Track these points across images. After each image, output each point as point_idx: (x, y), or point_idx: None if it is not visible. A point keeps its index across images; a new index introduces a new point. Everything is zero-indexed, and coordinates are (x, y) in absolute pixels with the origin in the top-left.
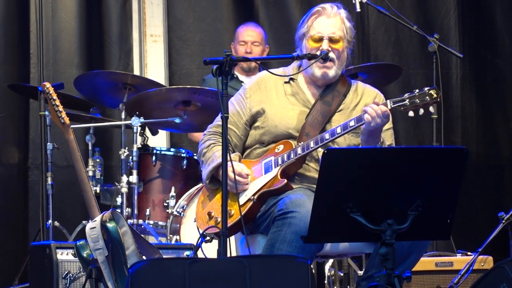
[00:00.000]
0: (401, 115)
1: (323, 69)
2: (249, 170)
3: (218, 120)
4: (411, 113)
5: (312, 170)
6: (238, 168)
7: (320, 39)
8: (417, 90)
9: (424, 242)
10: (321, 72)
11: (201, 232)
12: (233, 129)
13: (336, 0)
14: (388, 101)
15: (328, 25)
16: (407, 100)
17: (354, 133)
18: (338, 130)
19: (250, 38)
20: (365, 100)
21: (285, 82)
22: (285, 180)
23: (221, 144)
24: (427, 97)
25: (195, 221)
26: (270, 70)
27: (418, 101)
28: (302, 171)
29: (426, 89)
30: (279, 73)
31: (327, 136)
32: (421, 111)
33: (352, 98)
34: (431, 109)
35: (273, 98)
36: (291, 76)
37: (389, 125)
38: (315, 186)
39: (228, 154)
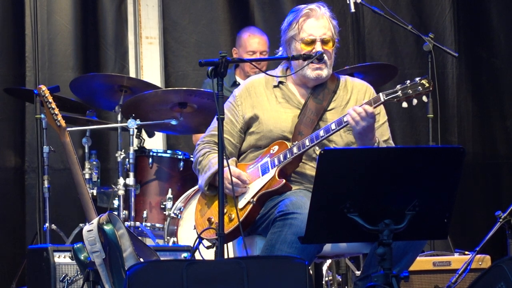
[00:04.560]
0: (397, 114)
1: (316, 71)
2: (246, 173)
3: (211, 130)
4: (404, 104)
5: (309, 168)
6: (236, 171)
7: (313, 42)
8: (408, 81)
9: (420, 241)
10: (315, 74)
11: (200, 235)
12: (228, 138)
13: (331, 1)
14: (381, 93)
15: (319, 26)
16: (400, 91)
17: (351, 129)
18: (333, 127)
19: (259, 47)
20: (356, 96)
21: (274, 86)
22: (284, 180)
23: (216, 151)
24: (420, 87)
25: (194, 228)
26: (268, 72)
27: (411, 92)
28: (300, 170)
29: (417, 79)
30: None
31: (321, 133)
32: (415, 101)
33: (343, 95)
34: (424, 98)
35: (264, 103)
36: (280, 79)
37: (383, 118)
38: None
39: (224, 158)
